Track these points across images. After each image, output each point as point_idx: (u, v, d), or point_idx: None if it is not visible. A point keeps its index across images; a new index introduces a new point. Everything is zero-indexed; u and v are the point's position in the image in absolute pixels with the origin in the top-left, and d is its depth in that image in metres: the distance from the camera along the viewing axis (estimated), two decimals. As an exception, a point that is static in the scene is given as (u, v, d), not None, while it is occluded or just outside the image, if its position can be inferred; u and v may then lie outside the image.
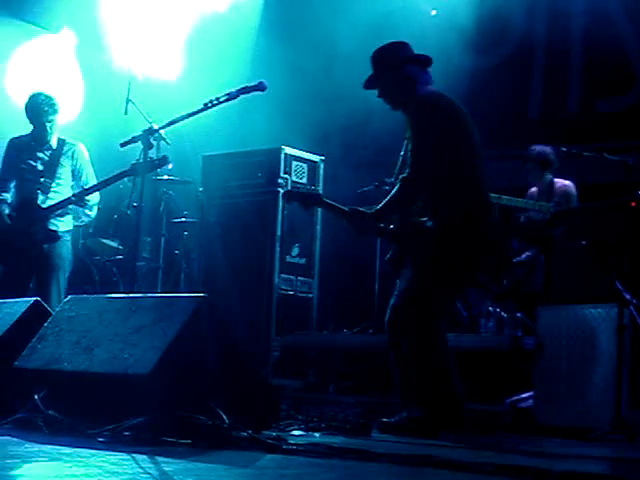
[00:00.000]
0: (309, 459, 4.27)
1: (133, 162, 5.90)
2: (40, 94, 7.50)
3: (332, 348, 7.81)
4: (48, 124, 7.41)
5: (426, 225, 5.39)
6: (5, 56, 10.11)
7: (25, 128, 7.58)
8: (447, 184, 5.36)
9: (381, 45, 5.65)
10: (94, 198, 7.45)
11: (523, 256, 7.39)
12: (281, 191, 7.83)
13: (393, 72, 5.53)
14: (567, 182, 7.67)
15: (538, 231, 7.08)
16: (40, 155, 7.44)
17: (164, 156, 5.90)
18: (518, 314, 6.78)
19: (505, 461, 4.43)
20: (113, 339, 4.98)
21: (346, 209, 5.66)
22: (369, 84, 5.65)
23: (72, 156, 7.46)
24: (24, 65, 10.17)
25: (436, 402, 5.39)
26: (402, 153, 5.60)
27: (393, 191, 5.45)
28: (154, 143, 5.89)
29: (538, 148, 7.70)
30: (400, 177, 5.43)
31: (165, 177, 8.96)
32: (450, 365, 5.42)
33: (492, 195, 6.72)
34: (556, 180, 7.70)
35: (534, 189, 7.78)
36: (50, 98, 7.49)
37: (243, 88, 5.78)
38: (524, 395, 6.13)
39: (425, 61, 5.61)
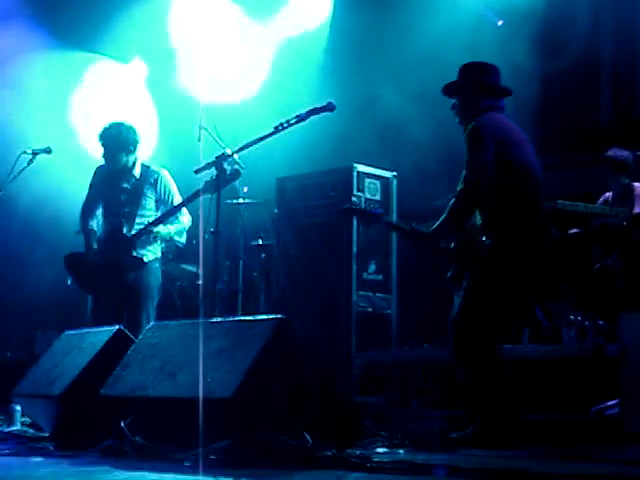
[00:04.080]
0: (394, 476, 4.27)
1: (206, 180, 5.94)
2: (120, 124, 7.45)
3: (413, 363, 7.80)
4: (130, 154, 7.42)
5: (485, 243, 5.42)
6: (76, 87, 10.28)
7: (95, 157, 7.61)
8: (503, 206, 5.44)
9: (475, 62, 5.74)
10: (185, 224, 7.48)
11: (604, 262, 7.29)
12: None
13: (471, 92, 5.60)
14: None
15: (617, 236, 6.98)
16: (124, 185, 7.42)
17: (236, 169, 5.91)
18: (600, 321, 6.69)
19: (595, 470, 4.39)
20: (195, 364, 5.03)
21: (407, 228, 5.77)
22: (448, 92, 5.72)
23: (155, 185, 7.43)
24: (95, 96, 10.33)
25: (492, 417, 5.39)
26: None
27: (448, 207, 5.51)
28: (228, 168, 5.92)
29: (613, 151, 7.58)
30: (456, 192, 5.49)
31: (241, 200, 9.03)
32: (503, 381, 5.42)
33: (567, 203, 6.67)
34: (635, 184, 7.55)
35: (609, 194, 7.66)
36: (131, 128, 7.46)
37: (312, 109, 5.80)
38: (610, 403, 6.05)
39: (505, 93, 5.68)
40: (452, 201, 5.50)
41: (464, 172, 5.46)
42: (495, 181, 5.41)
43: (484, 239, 5.46)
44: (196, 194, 6.25)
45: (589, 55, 8.92)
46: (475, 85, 5.61)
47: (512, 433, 5.40)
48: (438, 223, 5.56)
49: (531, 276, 5.46)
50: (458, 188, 5.47)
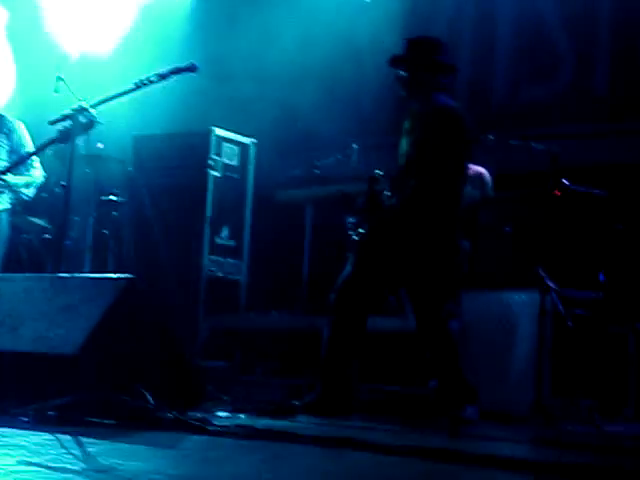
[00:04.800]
0: (234, 440, 4.32)
1: (60, 129, 5.82)
2: None
3: (260, 330, 7.85)
4: None
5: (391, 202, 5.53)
6: None
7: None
8: (436, 191, 5.51)
9: (427, 36, 5.82)
10: (36, 178, 7.31)
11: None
12: (211, 172, 7.85)
13: (426, 69, 5.61)
14: (481, 169, 7.69)
15: (462, 217, 7.15)
16: None
17: (91, 119, 5.81)
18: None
19: (427, 443, 4.52)
20: (39, 318, 4.96)
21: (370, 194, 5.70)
22: (396, 64, 5.69)
23: (9, 134, 7.25)
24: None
25: (331, 384, 5.55)
26: (405, 148, 5.64)
27: (411, 193, 5.50)
28: (84, 120, 5.81)
29: None
30: (418, 180, 5.49)
31: (95, 155, 8.88)
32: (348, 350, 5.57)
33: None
34: (469, 166, 7.70)
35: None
36: None
37: (175, 69, 5.75)
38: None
39: (454, 71, 5.78)
40: (415, 188, 5.48)
41: (428, 158, 5.45)
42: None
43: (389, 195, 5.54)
44: (48, 143, 6.12)
45: (449, 36, 9.05)
46: (425, 62, 5.61)
47: (352, 402, 5.54)
48: (399, 205, 5.54)
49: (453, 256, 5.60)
50: (425, 179, 5.46)
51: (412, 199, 5.51)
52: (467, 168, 5.77)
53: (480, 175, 7.65)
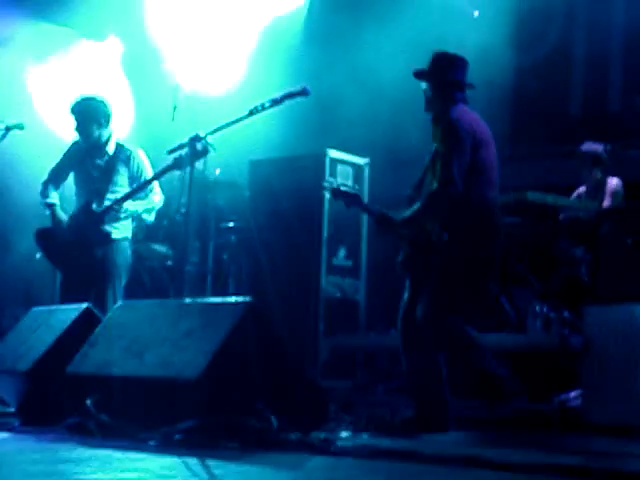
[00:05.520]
0: (357, 461, 4.31)
1: (176, 157, 5.95)
2: (91, 97, 7.41)
3: (380, 349, 7.85)
4: (102, 127, 7.36)
5: (442, 238, 5.53)
6: (47, 62, 10.14)
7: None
8: (466, 199, 5.48)
9: (447, 53, 5.77)
10: (156, 203, 7.45)
11: (571, 255, 7.35)
12: (327, 195, 7.89)
13: (441, 85, 5.66)
14: (616, 180, 7.55)
15: (584, 230, 7.03)
16: (97, 161, 7.37)
17: (206, 147, 5.92)
18: (565, 313, 6.76)
19: (553, 460, 4.44)
20: (163, 344, 5.05)
21: (375, 212, 5.89)
22: (420, 76, 5.75)
23: (128, 162, 7.38)
24: (68, 72, 10.22)
25: (425, 403, 5.60)
26: (427, 162, 5.71)
27: (420, 202, 5.58)
28: (200, 148, 5.93)
29: (587, 146, 7.60)
30: (429, 190, 5.55)
31: (213, 182, 9.04)
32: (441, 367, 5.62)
33: (537, 194, 6.74)
34: (609, 179, 7.57)
35: (582, 188, 7.69)
36: (102, 101, 7.40)
37: (287, 94, 5.83)
38: (572, 394, 6.11)
39: (469, 88, 5.76)
40: (425, 198, 5.55)
41: (438, 168, 5.48)
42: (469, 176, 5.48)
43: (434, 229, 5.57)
44: (165, 169, 6.25)
45: (562, 47, 8.96)
46: (442, 78, 5.66)
47: (447, 419, 5.53)
48: (409, 215, 5.62)
49: (487, 268, 5.55)
50: (433, 187, 5.49)
51: (422, 208, 5.56)
52: (489, 179, 5.62)
53: (615, 187, 7.52)
